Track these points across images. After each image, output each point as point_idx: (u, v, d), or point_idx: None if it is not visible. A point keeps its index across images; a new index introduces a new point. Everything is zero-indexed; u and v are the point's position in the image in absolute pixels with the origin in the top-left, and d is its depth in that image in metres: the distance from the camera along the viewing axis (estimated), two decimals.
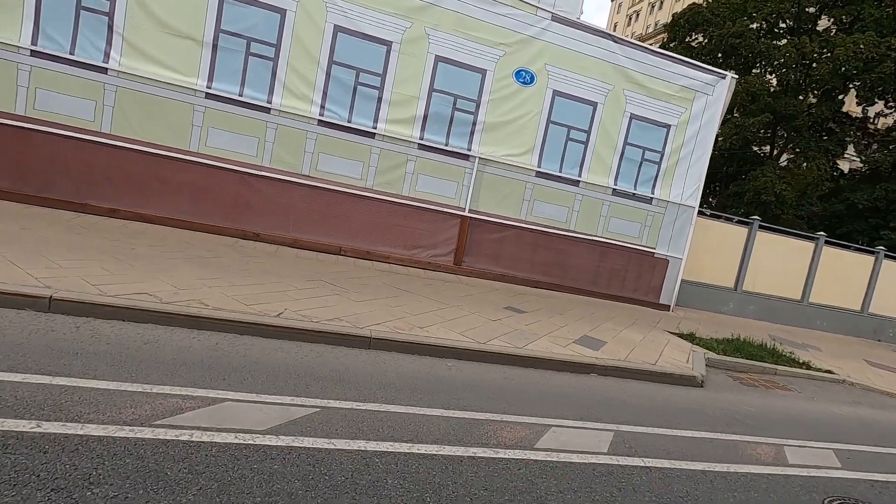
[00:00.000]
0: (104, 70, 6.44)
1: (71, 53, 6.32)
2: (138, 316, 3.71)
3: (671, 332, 7.15)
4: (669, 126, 8.65)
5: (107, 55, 6.41)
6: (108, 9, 6.33)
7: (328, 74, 7.11)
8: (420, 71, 7.48)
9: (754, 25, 21.79)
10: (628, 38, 8.61)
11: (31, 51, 6.22)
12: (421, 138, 7.61)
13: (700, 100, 8.70)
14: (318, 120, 7.18)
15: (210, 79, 6.75)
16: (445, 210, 7.90)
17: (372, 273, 6.80)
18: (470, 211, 7.99)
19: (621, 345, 5.76)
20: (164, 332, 3.63)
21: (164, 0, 6.45)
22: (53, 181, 6.51)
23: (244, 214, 7.14)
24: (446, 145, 7.75)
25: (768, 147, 23.10)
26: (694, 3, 23.80)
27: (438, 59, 7.52)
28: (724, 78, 8.76)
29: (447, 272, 7.97)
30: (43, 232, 5.28)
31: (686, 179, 8.92)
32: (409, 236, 7.84)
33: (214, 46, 6.70)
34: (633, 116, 8.47)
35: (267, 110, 7.00)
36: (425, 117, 7.58)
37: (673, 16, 23.69)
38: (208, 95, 6.78)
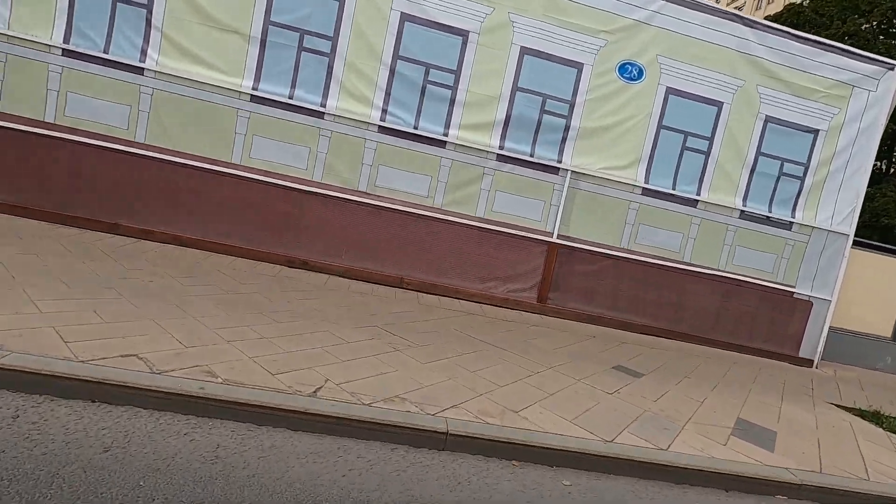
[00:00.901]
0: (140, 71, 5.60)
1: (105, 52, 5.52)
2: (111, 394, 2.52)
3: (842, 408, 5.21)
4: (817, 131, 6.75)
5: (144, 53, 5.57)
6: (146, 0, 5.51)
7: (392, 72, 5.93)
8: (502, 66, 6.14)
9: (869, 24, 19.03)
10: (763, 21, 6.86)
11: (63, 50, 5.48)
12: (501, 148, 6.24)
13: (859, 97, 6.75)
14: (379, 126, 6.00)
15: (257, 79, 5.76)
16: (529, 235, 6.43)
17: (439, 313, 5.43)
18: (559, 237, 6.48)
19: (798, 436, 3.99)
20: (142, 426, 2.40)
21: None
22: (81, 197, 5.70)
23: (291, 237, 6.03)
24: (531, 156, 6.33)
25: (883, 162, 19.95)
26: (792, 4, 21.25)
27: (524, 51, 6.16)
28: (892, 69, 6.77)
29: (530, 311, 6.46)
30: (49, 259, 4.35)
31: (838, 199, 6.93)
32: (484, 266, 6.43)
33: (263, 41, 5.72)
34: (768, 119, 6.67)
35: (320, 115, 5.90)
36: (506, 122, 6.22)
37: (766, 18, 21.24)
38: (254, 98, 5.78)
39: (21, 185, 5.61)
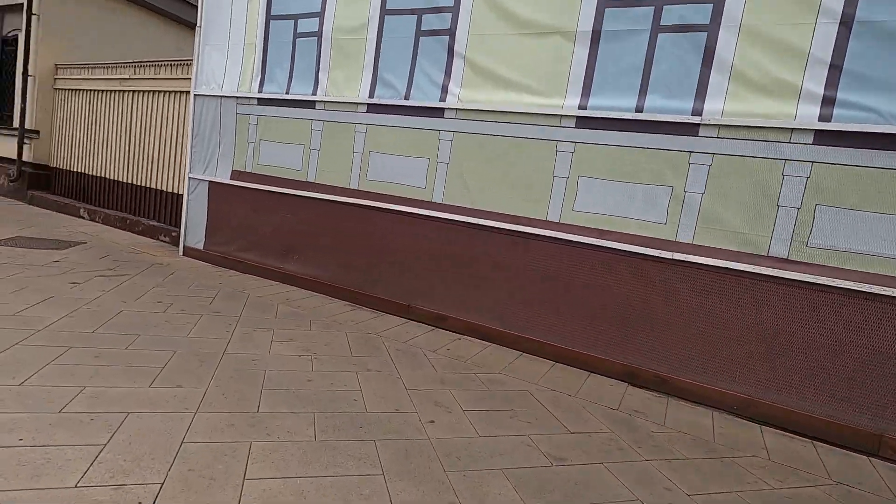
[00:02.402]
0: (440, 113, 4.41)
1: (406, 98, 4.58)
2: None
3: None
4: None
5: (444, 90, 4.37)
6: (449, 24, 4.34)
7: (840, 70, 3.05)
8: None
9: None
10: None
11: (368, 106, 4.80)
12: None
13: None
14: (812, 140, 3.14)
15: (585, 93, 3.81)
16: None
17: None
18: None
19: None
20: None
21: None
22: (380, 273, 4.80)
23: (637, 333, 3.67)
24: None
25: None
26: None
27: None
28: None
29: None
30: (323, 364, 3.18)
31: None
32: None
33: (595, 35, 3.77)
34: None
35: (694, 132, 3.47)
36: None
37: None
38: (581, 122, 3.83)
39: (331, 261, 5.09)
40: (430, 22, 4.43)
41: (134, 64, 7.61)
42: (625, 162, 3.67)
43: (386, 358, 3.54)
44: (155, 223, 7.18)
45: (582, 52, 3.80)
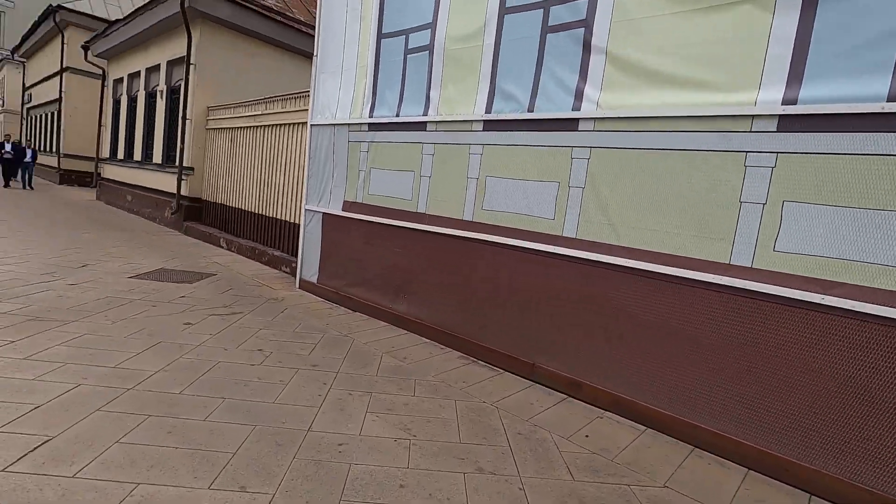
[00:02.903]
0: (573, 125, 3.51)
1: (529, 110, 3.76)
2: None
3: None
4: None
5: (579, 96, 3.46)
6: (584, 13, 3.44)
7: None
8: None
9: None
10: None
11: (484, 123, 4.07)
12: None
13: None
14: None
15: (793, 82, 2.62)
16: None
17: None
18: None
19: None
20: None
21: None
22: (497, 320, 4.00)
23: (874, 431, 2.34)
24: None
25: None
26: None
27: None
28: None
29: None
30: (421, 447, 2.45)
31: None
32: None
33: (809, 1, 2.58)
34: None
35: None
36: None
37: None
38: (784, 124, 2.64)
39: (442, 302, 4.44)
40: (559, 15, 3.57)
41: (265, 100, 7.94)
42: (873, 179, 2.40)
43: (503, 448, 2.70)
44: (278, 253, 7.28)
45: (786, 24, 2.63)
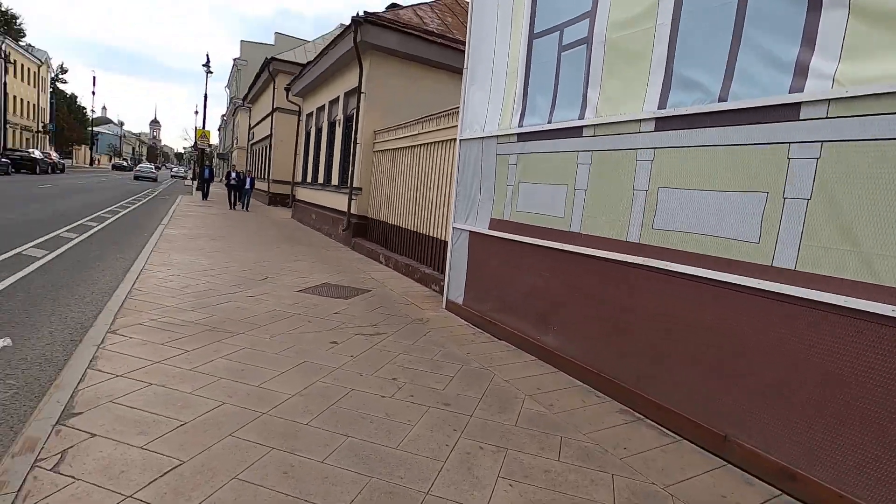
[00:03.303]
0: (791, 112, 2.53)
1: (721, 99, 2.87)
2: None
3: None
4: None
5: (801, 72, 2.48)
6: None
7: None
8: None
9: None
10: None
11: (656, 121, 3.27)
12: None
13: None
14: None
15: None
16: None
17: None
18: None
19: None
20: None
21: None
22: (667, 367, 3.13)
23: None
24: None
25: None
26: None
27: None
28: None
29: None
30: None
31: None
32: None
33: None
34: None
35: None
36: None
37: None
38: None
39: (599, 339, 3.72)
40: None
41: (421, 120, 8.09)
42: None
43: None
44: (429, 271, 7.24)
45: None
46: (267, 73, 21.94)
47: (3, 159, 26.86)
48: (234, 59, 45.83)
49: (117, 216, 13.34)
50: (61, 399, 2.81)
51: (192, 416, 2.76)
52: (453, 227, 5.76)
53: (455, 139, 6.20)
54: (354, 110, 10.84)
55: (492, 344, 4.68)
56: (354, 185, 10.63)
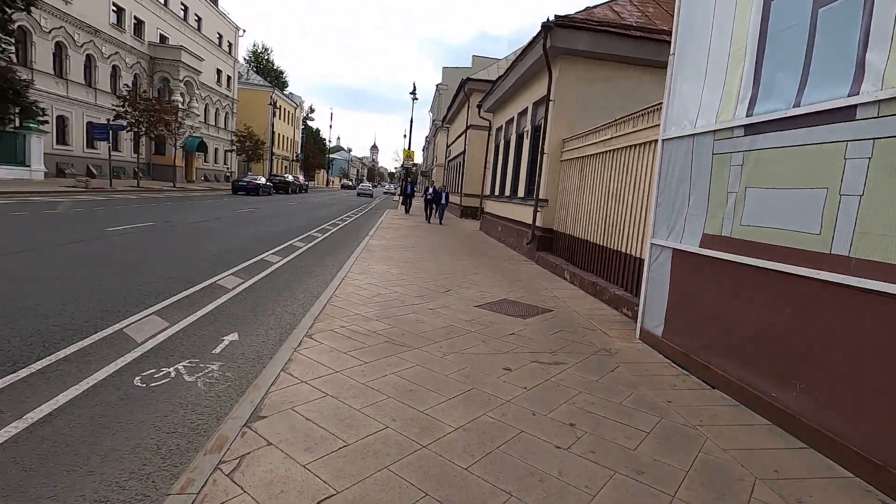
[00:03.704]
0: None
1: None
2: None
3: None
4: None
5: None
6: None
7: None
8: None
9: None
10: None
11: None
12: None
13: None
14: None
15: None
16: None
17: None
18: None
19: None
20: None
21: None
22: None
23: None
24: None
25: None
26: None
27: None
28: None
29: None
30: None
31: None
32: None
33: None
34: None
35: None
36: None
37: None
38: None
39: (873, 408, 2.54)
40: None
41: (614, 123, 7.25)
42: None
43: None
44: (619, 292, 6.35)
45: None
46: (462, 93, 23.21)
47: (268, 183, 34.83)
48: (437, 85, 50.32)
49: (337, 228, 15.54)
50: (254, 400, 3.04)
51: (355, 438, 2.67)
52: (651, 244, 4.87)
53: (655, 140, 5.27)
54: (542, 119, 10.46)
55: (702, 393, 3.70)
56: (540, 197, 10.21)
